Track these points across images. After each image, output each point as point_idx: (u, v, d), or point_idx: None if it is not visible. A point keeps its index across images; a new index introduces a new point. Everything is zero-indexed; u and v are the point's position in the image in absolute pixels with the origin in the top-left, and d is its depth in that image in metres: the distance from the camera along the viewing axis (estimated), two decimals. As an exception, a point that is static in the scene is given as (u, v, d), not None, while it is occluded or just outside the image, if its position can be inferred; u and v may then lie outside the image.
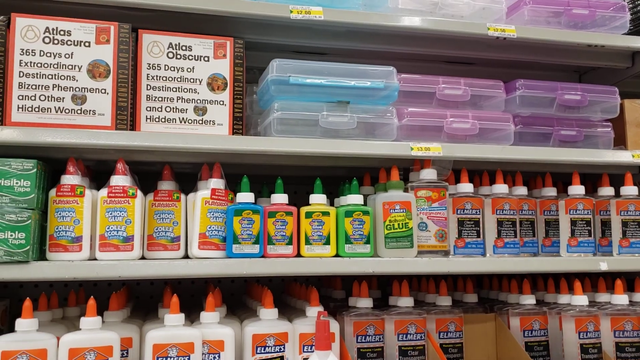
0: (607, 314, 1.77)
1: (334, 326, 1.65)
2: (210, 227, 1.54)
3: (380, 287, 2.07)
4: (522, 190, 1.84)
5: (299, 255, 1.58)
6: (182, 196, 1.58)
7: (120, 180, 1.49)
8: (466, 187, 1.74)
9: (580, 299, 1.76)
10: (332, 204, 1.70)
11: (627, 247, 1.80)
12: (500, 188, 1.76)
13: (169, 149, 1.51)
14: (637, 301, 1.84)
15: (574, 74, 2.30)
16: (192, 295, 2.09)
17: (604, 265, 1.75)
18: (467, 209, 1.71)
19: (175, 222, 1.57)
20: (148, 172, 1.75)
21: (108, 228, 1.47)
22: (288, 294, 2.07)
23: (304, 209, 1.61)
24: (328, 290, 2.10)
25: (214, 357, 1.49)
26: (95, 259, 1.45)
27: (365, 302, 1.71)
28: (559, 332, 1.78)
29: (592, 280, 1.96)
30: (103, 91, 1.49)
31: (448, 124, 1.73)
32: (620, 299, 1.79)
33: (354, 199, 1.64)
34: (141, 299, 2.06)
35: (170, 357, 1.44)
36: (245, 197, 1.56)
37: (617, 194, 1.87)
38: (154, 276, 1.46)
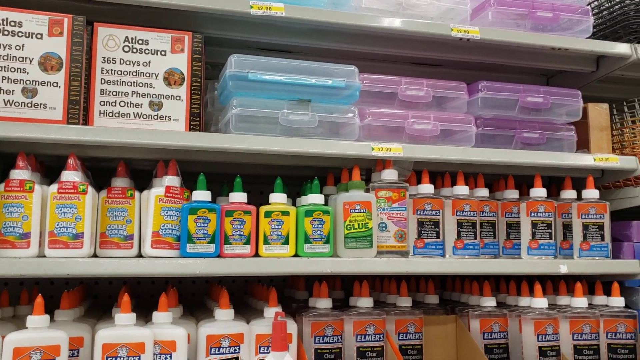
0: (566, 317, 1.77)
1: (292, 327, 1.63)
2: (164, 226, 1.50)
3: (344, 288, 2.05)
4: (483, 192, 1.83)
5: (257, 255, 1.56)
6: (136, 193, 1.55)
7: (71, 175, 1.45)
8: (427, 188, 1.73)
9: (540, 302, 1.75)
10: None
11: (587, 250, 1.81)
12: (461, 189, 1.76)
13: (122, 144, 1.48)
14: (597, 304, 1.84)
15: (541, 78, 2.30)
16: (152, 296, 2.05)
17: (564, 268, 1.75)
18: (427, 210, 1.70)
19: (128, 220, 1.54)
20: (106, 168, 1.71)
21: (57, 224, 1.43)
22: (250, 294, 2.04)
23: (263, 208, 1.58)
24: (291, 291, 2.08)
25: (166, 358, 1.46)
26: (44, 256, 1.41)
27: (324, 303, 1.68)
28: (519, 334, 1.78)
29: (554, 284, 1.96)
30: (55, 84, 1.45)
31: (409, 125, 1.72)
32: (580, 302, 1.79)
33: (314, 198, 1.62)
34: (100, 299, 2.02)
35: (120, 357, 1.41)
36: (201, 195, 1.53)
37: (580, 198, 1.87)
38: (104, 275, 1.42)
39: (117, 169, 1.58)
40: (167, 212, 1.51)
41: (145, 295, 2.01)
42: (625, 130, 1.99)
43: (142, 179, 1.63)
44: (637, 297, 1.84)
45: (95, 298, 2.00)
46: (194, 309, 1.88)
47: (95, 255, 1.49)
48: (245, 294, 2.12)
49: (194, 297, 2.11)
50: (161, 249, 1.50)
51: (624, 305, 1.81)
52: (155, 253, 1.49)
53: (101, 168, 1.70)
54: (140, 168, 1.76)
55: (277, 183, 1.62)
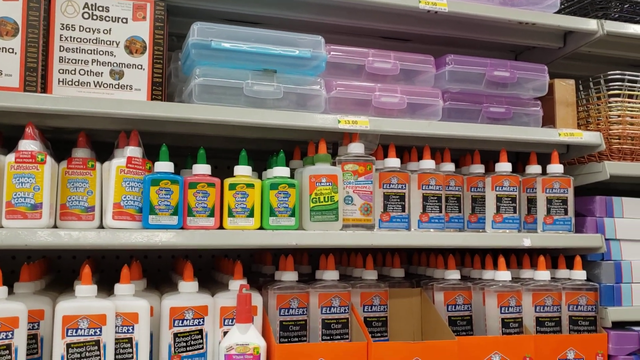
0: (529, 290, 1.80)
1: (257, 299, 1.63)
2: (125, 197, 1.48)
3: (311, 264, 2.05)
4: (449, 167, 1.84)
5: (221, 228, 1.55)
6: (97, 164, 1.52)
7: (28, 145, 1.42)
8: (393, 162, 1.73)
9: (503, 275, 1.78)
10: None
11: (550, 224, 1.83)
12: (427, 164, 1.76)
13: (82, 113, 1.44)
14: (559, 277, 1.87)
15: (509, 54, 2.31)
16: (116, 271, 2.01)
17: (527, 241, 1.77)
18: (393, 184, 1.71)
19: (89, 191, 1.51)
20: (68, 140, 1.67)
21: (15, 195, 1.39)
22: (216, 270, 2.03)
23: (227, 181, 1.57)
24: (258, 266, 2.08)
25: (128, 330, 1.45)
26: (2, 227, 1.38)
27: (289, 276, 1.68)
28: (482, 307, 1.80)
29: (518, 258, 1.98)
30: (11, 51, 1.40)
31: (376, 98, 1.71)
32: (543, 275, 1.81)
33: (280, 171, 1.61)
34: (63, 274, 1.98)
35: (81, 329, 1.39)
36: (164, 166, 1.51)
37: (545, 173, 1.89)
38: (64, 246, 1.40)
39: (78, 140, 1.55)
40: (128, 183, 1.49)
41: (109, 270, 1.98)
42: (590, 106, 2.01)
43: (105, 151, 1.60)
44: (599, 271, 1.87)
45: (58, 273, 1.97)
46: (160, 284, 1.87)
47: (55, 227, 1.47)
48: (212, 269, 2.11)
49: (160, 272, 2.09)
50: (123, 221, 1.48)
51: (585, 278, 1.84)
52: (116, 224, 1.47)
53: (62, 140, 1.66)
54: (103, 140, 1.72)
55: (241, 155, 1.60)
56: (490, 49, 2.24)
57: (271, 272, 1.97)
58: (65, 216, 1.49)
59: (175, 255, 2.08)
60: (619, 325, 1.84)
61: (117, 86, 1.51)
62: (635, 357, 1.78)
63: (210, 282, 1.90)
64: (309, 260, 2.07)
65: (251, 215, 1.57)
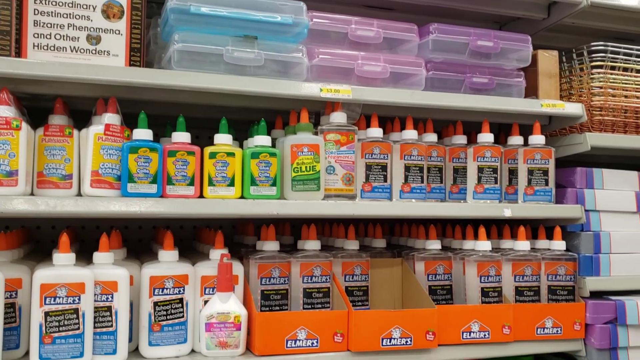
0: (509, 260, 1.81)
1: (238, 269, 1.63)
2: (103, 165, 1.46)
3: (293, 234, 2.05)
4: (431, 137, 1.84)
5: (201, 197, 1.53)
6: (75, 132, 1.49)
7: (3, 110, 1.39)
8: (375, 132, 1.72)
9: (484, 245, 1.79)
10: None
11: (531, 194, 1.84)
12: (409, 134, 1.75)
13: (58, 79, 1.41)
14: (539, 248, 1.89)
15: (494, 25, 2.29)
16: (96, 241, 1.99)
17: (507, 211, 1.78)
18: (375, 154, 1.70)
19: (67, 159, 1.48)
20: (45, 108, 1.63)
21: (-11, 162, 1.37)
22: (198, 241, 2.03)
23: (207, 149, 1.55)
24: (240, 237, 2.07)
25: (107, 298, 1.44)
26: (-23, 194, 1.36)
27: (270, 245, 1.68)
28: (462, 276, 1.82)
29: (499, 229, 1.99)
30: (-18, 14, 1.37)
31: (359, 67, 1.70)
32: (522, 245, 1.83)
33: (261, 140, 1.60)
34: (42, 244, 1.96)
35: (60, 297, 1.38)
36: (142, 134, 1.49)
37: (526, 144, 1.89)
38: (40, 214, 1.38)
39: (55, 106, 1.52)
40: (106, 151, 1.46)
41: (89, 240, 1.97)
42: (573, 78, 2.01)
43: (84, 121, 1.57)
44: (578, 242, 1.89)
45: (37, 243, 1.95)
46: (141, 255, 1.85)
47: (32, 195, 1.44)
48: (194, 241, 2.10)
49: (141, 243, 2.08)
50: (101, 189, 1.46)
51: (565, 249, 1.86)
52: (94, 192, 1.45)
53: (39, 108, 1.63)
54: (81, 109, 1.69)
55: (222, 123, 1.58)
56: (475, 20, 2.22)
57: (253, 242, 1.97)
58: (42, 184, 1.47)
59: (156, 225, 2.07)
60: (596, 294, 1.87)
61: (94, 51, 1.48)
62: (611, 325, 1.81)
63: (192, 252, 1.89)
64: (291, 231, 2.07)
65: (232, 184, 1.55)
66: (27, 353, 1.43)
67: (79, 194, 1.48)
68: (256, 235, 1.99)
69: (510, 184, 1.88)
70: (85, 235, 2.00)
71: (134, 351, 1.54)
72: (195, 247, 2.01)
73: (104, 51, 1.48)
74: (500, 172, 1.83)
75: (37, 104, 1.65)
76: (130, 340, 1.52)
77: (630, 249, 1.91)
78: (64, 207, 1.38)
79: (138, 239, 2.08)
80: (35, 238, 1.96)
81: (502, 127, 2.23)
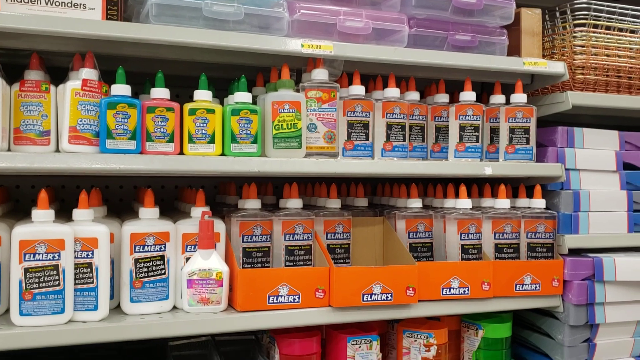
0: (489, 217, 1.83)
1: (219, 226, 1.63)
2: (81, 121, 1.44)
3: (275, 194, 2.05)
4: (414, 96, 1.83)
5: (181, 154, 1.52)
6: (52, 87, 1.47)
7: (-24, 65, 1.36)
8: (357, 89, 1.71)
9: (464, 203, 1.80)
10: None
11: (512, 153, 1.85)
12: (392, 92, 1.74)
13: (32, 32, 1.38)
14: (519, 206, 1.90)
15: (478, -16, 2.26)
16: (77, 200, 1.99)
17: (488, 169, 1.79)
18: (357, 112, 1.69)
19: (44, 115, 1.46)
20: (22, 65, 1.60)
21: (-36, 117, 1.34)
22: (180, 200, 2.02)
23: (187, 106, 1.53)
24: (223, 197, 2.06)
25: (87, 255, 1.43)
26: (-47, 151, 1.34)
27: (252, 204, 1.68)
28: (443, 234, 1.83)
29: (480, 188, 2.01)
30: (-48, -37, 1.32)
31: (341, 22, 1.68)
32: (502, 203, 1.85)
33: (241, 96, 1.58)
34: (22, 203, 1.95)
35: (39, 254, 1.37)
36: (121, 89, 1.46)
37: (508, 102, 1.89)
38: (17, 170, 1.36)
39: (30, 61, 1.48)
40: (84, 107, 1.44)
41: (70, 200, 1.95)
42: (555, 37, 2.00)
43: (61, 79, 1.54)
44: (558, 200, 1.90)
45: (17, 202, 1.94)
46: (121, 214, 1.85)
47: (9, 151, 1.42)
48: (176, 200, 2.09)
49: (122, 202, 2.07)
50: (79, 145, 1.44)
51: (544, 207, 1.88)
52: (72, 149, 1.43)
53: (15, 64, 1.59)
54: (58, 66, 1.66)
55: (201, 79, 1.57)
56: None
57: (235, 202, 1.96)
58: (19, 140, 1.45)
59: (137, 185, 2.05)
60: (575, 252, 1.90)
61: (69, 4, 1.44)
62: (589, 282, 1.85)
63: (174, 212, 1.89)
64: (273, 191, 2.07)
65: (212, 141, 1.54)
66: (7, 310, 1.43)
67: (58, 151, 1.47)
68: (238, 195, 1.99)
69: (491, 142, 1.89)
70: (66, 195, 1.99)
71: (116, 308, 1.55)
72: (177, 207, 2.00)
73: (80, 4, 1.44)
74: (481, 130, 1.83)
75: (13, 60, 1.61)
76: (111, 297, 1.52)
77: (609, 208, 1.94)
78: (42, 163, 1.37)
79: (119, 198, 2.07)
80: (15, 197, 1.94)
81: (485, 87, 2.23)
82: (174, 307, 1.58)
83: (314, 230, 1.70)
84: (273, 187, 2.08)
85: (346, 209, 1.84)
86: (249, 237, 1.65)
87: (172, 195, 2.15)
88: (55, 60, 1.67)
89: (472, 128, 1.82)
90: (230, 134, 1.55)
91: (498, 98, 1.90)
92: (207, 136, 1.54)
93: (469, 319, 1.92)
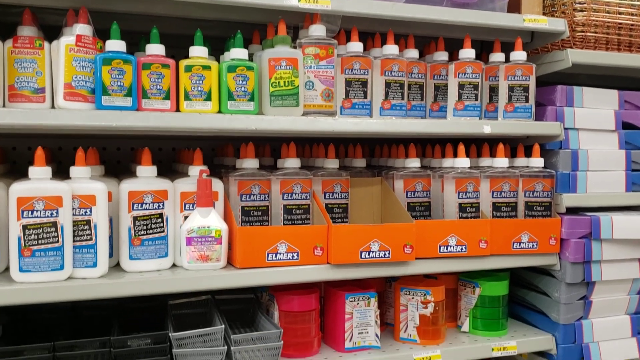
0: (487, 176, 1.83)
1: (218, 185, 1.63)
2: (76, 77, 1.42)
3: (273, 156, 2.04)
4: (413, 53, 1.81)
5: (178, 112, 1.51)
6: (46, 44, 1.45)
7: (-32, 19, 1.34)
8: (356, 46, 1.69)
9: (462, 162, 1.80)
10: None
11: (511, 111, 1.84)
12: (390, 49, 1.72)
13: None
14: (518, 166, 1.90)
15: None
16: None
17: (487, 128, 1.78)
18: (355, 69, 1.67)
19: (38, 72, 1.44)
20: (15, 22, 1.58)
21: (-43, 73, 1.33)
22: (178, 162, 2.01)
23: (182, 62, 1.52)
24: (220, 159, 2.06)
25: (85, 212, 1.43)
26: (-54, 108, 1.33)
27: (250, 163, 1.67)
28: (441, 194, 1.83)
29: (479, 148, 2.00)
30: None
31: (338, -23, 1.65)
32: (500, 162, 1.84)
33: (237, 53, 1.56)
34: (19, 165, 1.94)
35: (37, 211, 1.37)
36: (116, 45, 1.44)
37: (508, 61, 1.88)
38: (13, 125, 1.35)
39: (23, 17, 1.46)
40: (79, 63, 1.43)
41: (67, 162, 1.94)
42: (556, -6, 1.98)
43: (55, 37, 1.51)
44: (557, 159, 1.90)
45: (14, 164, 1.93)
46: (119, 175, 1.84)
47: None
48: (173, 162, 2.09)
49: (119, 164, 2.06)
50: (75, 102, 1.43)
51: (543, 165, 1.87)
52: (68, 106, 1.42)
53: (8, 22, 1.57)
54: (52, 24, 1.63)
55: (197, 35, 1.55)
56: None
57: (233, 164, 1.96)
58: (14, 98, 1.43)
59: (134, 147, 2.04)
60: (572, 211, 1.90)
61: (60, -43, 1.41)
62: (586, 240, 1.85)
63: (171, 174, 1.88)
64: (271, 153, 2.06)
65: (208, 98, 1.53)
66: (7, 268, 1.44)
67: (53, 108, 1.45)
68: (236, 157, 1.98)
69: (490, 101, 1.88)
70: (63, 157, 1.98)
71: (115, 266, 1.56)
72: (175, 168, 2.00)
73: (72, -43, 1.42)
74: (480, 88, 1.82)
75: (5, 19, 1.59)
76: (111, 255, 1.53)
77: (607, 167, 1.93)
78: (38, 118, 1.36)
79: (117, 160, 2.06)
80: (12, 159, 1.93)
81: (485, 47, 2.20)
82: (174, 265, 1.58)
83: (312, 190, 1.70)
84: (271, 150, 2.07)
85: (344, 170, 1.84)
86: (247, 196, 1.65)
87: (170, 157, 2.14)
88: (49, 19, 1.65)
89: (471, 86, 1.80)
90: (227, 91, 1.53)
91: (497, 56, 1.88)
92: (203, 93, 1.52)
93: (466, 278, 1.93)
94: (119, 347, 1.43)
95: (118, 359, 1.41)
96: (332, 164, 1.80)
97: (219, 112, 1.54)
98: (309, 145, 2.07)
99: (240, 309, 1.84)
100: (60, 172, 1.72)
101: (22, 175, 1.74)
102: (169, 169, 2.05)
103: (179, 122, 1.48)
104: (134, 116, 1.44)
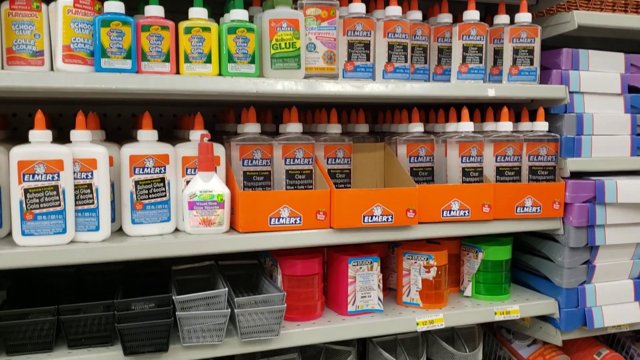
0: (491, 140, 1.81)
1: (219, 150, 1.62)
2: (75, 40, 1.40)
3: (275, 122, 2.03)
4: (416, 15, 1.78)
5: (178, 74, 1.49)
6: (43, 5, 1.43)
7: (-37, -21, 1.32)
8: (358, 7, 1.66)
9: (466, 126, 1.78)
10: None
11: (516, 74, 1.81)
12: (394, 10, 1.69)
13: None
14: (522, 130, 1.88)
15: None
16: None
17: (491, 91, 1.76)
18: (357, 31, 1.65)
19: (36, 34, 1.42)
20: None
21: (-46, 34, 1.31)
22: (179, 128, 2.00)
23: (182, 24, 1.50)
24: (222, 125, 2.05)
25: (87, 176, 1.43)
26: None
27: (251, 127, 1.66)
28: (444, 159, 1.82)
29: (483, 113, 1.98)
30: None
31: None
32: (505, 125, 1.82)
33: (237, 14, 1.54)
34: (19, 131, 1.93)
35: (38, 174, 1.37)
36: (114, 6, 1.42)
37: (513, 23, 1.85)
38: (13, 89, 1.34)
39: (19, -21, 1.44)
40: (77, 25, 1.41)
41: (68, 127, 1.93)
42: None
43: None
44: (561, 123, 1.88)
45: (15, 130, 1.92)
46: (120, 140, 1.83)
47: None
48: (174, 129, 2.07)
49: (120, 130, 2.05)
50: (74, 64, 1.41)
51: (547, 129, 1.86)
52: (67, 68, 1.40)
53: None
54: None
55: (196, -3, 1.52)
56: None
57: (234, 130, 1.95)
58: (12, 61, 1.42)
59: (135, 114, 2.03)
60: (577, 175, 1.89)
61: None
62: (590, 204, 1.84)
63: (172, 140, 1.87)
64: (273, 120, 2.05)
65: (209, 61, 1.51)
66: (10, 233, 1.44)
67: (52, 72, 1.44)
68: (237, 123, 1.97)
69: (495, 64, 1.85)
70: (64, 123, 1.97)
71: (118, 231, 1.56)
72: (176, 135, 1.99)
73: None
74: (485, 51, 1.79)
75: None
76: (113, 220, 1.53)
77: (613, 131, 1.91)
78: (37, 81, 1.34)
79: (117, 127, 2.05)
80: (12, 126, 1.92)
81: (489, 9, 2.16)
82: (176, 230, 1.58)
83: (314, 155, 1.69)
84: (273, 117, 2.05)
85: (347, 136, 1.83)
86: (249, 160, 1.64)
87: (171, 124, 2.13)
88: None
89: (476, 49, 1.77)
90: (227, 53, 1.51)
91: (502, 18, 1.85)
92: (203, 56, 1.50)
93: (469, 243, 1.93)
94: (123, 310, 1.43)
95: (122, 322, 1.41)
96: (335, 128, 1.78)
97: (220, 74, 1.52)
98: (311, 112, 2.05)
99: (244, 274, 1.85)
100: (62, 139, 1.72)
101: (23, 141, 1.74)
102: (170, 135, 2.04)
103: (179, 85, 1.46)
104: (133, 78, 1.42)
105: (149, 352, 1.45)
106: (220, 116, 2.12)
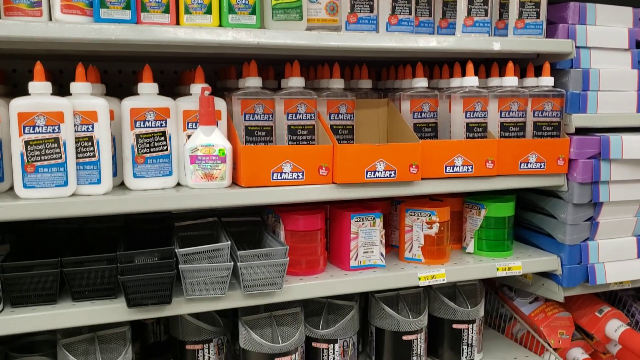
0: (495, 96, 1.79)
1: (220, 104, 1.60)
2: (72, -12, 1.38)
3: (276, 79, 2.00)
4: (421, -34, 1.74)
5: (178, 25, 1.47)
6: (40, -46, 1.40)
7: None
8: (361, -43, 1.62)
9: (470, 80, 1.76)
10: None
11: (521, 28, 1.78)
12: (397, -39, 1.66)
13: None
14: (527, 86, 1.86)
15: None
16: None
17: (497, 45, 1.73)
18: (361, -18, 1.62)
19: (33, -17, 1.40)
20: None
21: (-51, -18, 1.29)
22: (180, 84, 1.98)
23: (182, -26, 1.47)
24: (224, 82, 2.02)
25: (87, 128, 1.42)
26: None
27: (253, 82, 1.64)
28: (448, 114, 1.80)
29: (488, 69, 1.95)
30: None
31: None
32: (509, 80, 1.80)
33: (238, -35, 1.50)
34: (19, 87, 1.91)
35: (39, 127, 1.36)
36: (112, -46, 1.39)
37: (519, -24, 1.81)
38: (13, 39, 1.32)
39: None
40: (74, -27, 1.38)
41: (68, 84, 1.92)
42: None
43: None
44: (567, 79, 1.85)
45: (15, 87, 1.90)
46: (121, 97, 1.81)
47: None
48: (176, 85, 2.05)
49: (121, 87, 2.03)
50: (72, 15, 1.39)
51: (552, 85, 1.83)
52: (66, 19, 1.38)
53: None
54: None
55: (196, -55, 1.48)
56: None
57: (236, 86, 1.93)
58: (9, 11, 1.39)
59: (136, 70, 2.01)
60: (582, 131, 1.87)
61: None
62: (594, 160, 1.83)
63: (174, 95, 1.85)
64: (274, 76, 2.02)
65: (209, 12, 1.49)
66: (12, 188, 1.43)
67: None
68: (238, 79, 1.95)
69: (500, 18, 1.82)
70: (64, 80, 1.94)
71: (120, 185, 1.55)
72: (177, 91, 1.97)
73: None
74: (490, 4, 1.75)
75: None
76: (115, 175, 1.52)
77: (619, 87, 1.89)
78: (34, 31, 1.32)
79: (118, 84, 2.03)
80: (12, 82, 1.90)
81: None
82: (178, 185, 1.58)
83: (316, 110, 1.67)
84: (275, 73, 2.03)
85: (350, 91, 1.80)
86: (251, 115, 1.62)
87: (172, 80, 2.11)
88: None
89: (481, 1, 1.74)
90: (227, 3, 1.49)
91: (509, -31, 1.81)
92: (203, 6, 1.48)
93: (472, 199, 1.92)
94: (126, 263, 1.44)
95: (125, 274, 1.42)
96: (337, 83, 1.76)
97: (220, 26, 1.50)
98: (313, 67, 2.02)
99: (247, 230, 1.85)
100: (62, 95, 1.70)
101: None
102: (172, 92, 2.02)
103: (180, 36, 1.44)
104: (133, 29, 1.40)
105: (152, 304, 1.46)
106: (221, 72, 2.09)
